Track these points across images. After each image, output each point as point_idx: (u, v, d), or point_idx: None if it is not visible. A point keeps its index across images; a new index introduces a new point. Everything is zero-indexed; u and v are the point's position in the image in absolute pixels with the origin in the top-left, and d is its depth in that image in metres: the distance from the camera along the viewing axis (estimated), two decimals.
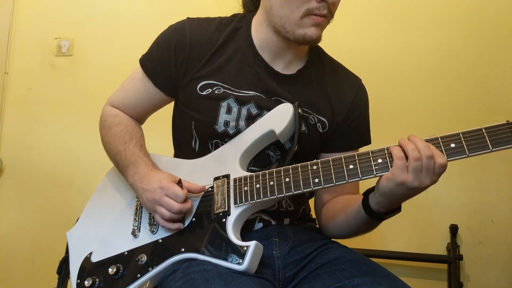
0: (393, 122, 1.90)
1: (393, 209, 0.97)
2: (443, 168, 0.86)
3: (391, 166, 0.88)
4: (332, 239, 1.16)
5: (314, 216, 1.25)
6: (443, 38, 1.92)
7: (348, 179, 0.91)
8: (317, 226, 1.23)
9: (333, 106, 1.16)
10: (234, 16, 1.20)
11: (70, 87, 2.30)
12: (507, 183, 1.81)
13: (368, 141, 1.23)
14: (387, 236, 1.87)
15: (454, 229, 1.78)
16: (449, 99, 1.89)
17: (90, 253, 1.11)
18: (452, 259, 1.74)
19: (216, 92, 1.09)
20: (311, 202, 1.26)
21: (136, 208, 1.13)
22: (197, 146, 1.14)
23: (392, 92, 1.93)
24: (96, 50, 2.30)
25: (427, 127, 1.87)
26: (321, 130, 1.14)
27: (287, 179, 0.97)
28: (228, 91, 1.09)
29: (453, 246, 1.76)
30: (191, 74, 1.12)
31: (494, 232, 1.80)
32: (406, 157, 0.87)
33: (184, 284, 0.89)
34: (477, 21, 1.90)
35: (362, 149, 1.18)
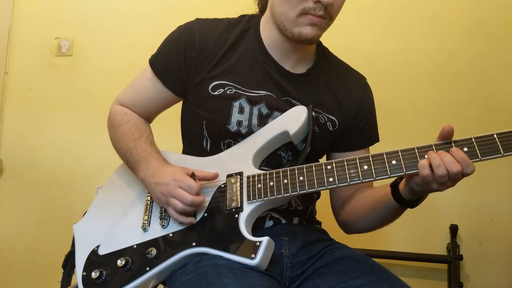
0: (393, 122, 1.89)
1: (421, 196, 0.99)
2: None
3: (405, 168, 0.90)
4: (335, 238, 1.17)
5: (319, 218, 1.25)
6: (443, 38, 1.92)
7: (363, 179, 0.93)
8: (322, 228, 1.23)
9: (342, 105, 1.17)
10: (242, 17, 1.20)
11: (70, 87, 2.30)
12: (507, 183, 1.80)
13: (376, 139, 1.25)
14: (388, 236, 1.87)
15: (454, 229, 1.78)
16: (449, 99, 1.89)
17: (98, 246, 1.10)
18: (452, 259, 1.74)
19: (228, 92, 1.10)
20: (318, 203, 1.25)
21: (147, 203, 1.12)
22: (208, 146, 1.14)
23: (392, 92, 1.93)
24: (96, 50, 2.30)
25: (427, 127, 1.87)
26: (331, 129, 1.15)
27: (301, 178, 0.97)
28: (240, 91, 1.10)
29: (453, 246, 1.76)
30: (202, 75, 1.12)
31: (494, 232, 1.80)
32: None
33: (195, 277, 0.89)
34: (477, 21, 1.90)
35: (372, 148, 1.20)
